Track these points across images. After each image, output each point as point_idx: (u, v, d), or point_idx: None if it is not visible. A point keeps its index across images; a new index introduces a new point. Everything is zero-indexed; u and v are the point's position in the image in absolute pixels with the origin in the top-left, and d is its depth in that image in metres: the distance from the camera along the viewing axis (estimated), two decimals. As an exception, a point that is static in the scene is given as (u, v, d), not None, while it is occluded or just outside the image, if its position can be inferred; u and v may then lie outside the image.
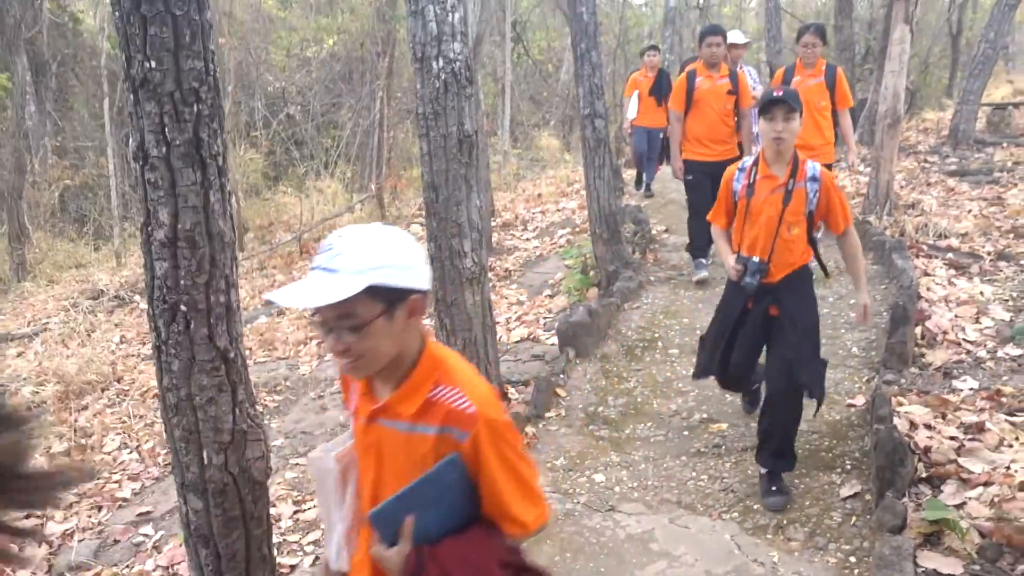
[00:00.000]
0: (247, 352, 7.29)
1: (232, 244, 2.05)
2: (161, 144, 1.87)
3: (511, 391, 5.32)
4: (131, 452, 5.44)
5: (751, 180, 3.63)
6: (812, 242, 3.69)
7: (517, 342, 6.47)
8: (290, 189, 13.74)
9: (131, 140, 1.91)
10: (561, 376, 5.41)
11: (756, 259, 3.61)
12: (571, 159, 15.55)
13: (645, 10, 25.36)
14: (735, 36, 8.02)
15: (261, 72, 14.66)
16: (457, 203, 4.74)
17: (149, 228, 1.94)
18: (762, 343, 3.84)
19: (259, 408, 5.87)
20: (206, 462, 2.09)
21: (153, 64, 1.80)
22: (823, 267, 3.91)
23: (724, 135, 6.44)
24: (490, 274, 7.70)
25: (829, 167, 6.18)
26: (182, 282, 1.96)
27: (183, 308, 1.97)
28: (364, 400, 1.71)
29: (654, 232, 8.73)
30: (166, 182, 1.89)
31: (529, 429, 4.71)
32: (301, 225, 12.04)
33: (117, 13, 1.83)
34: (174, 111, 1.85)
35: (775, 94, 3.45)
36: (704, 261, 6.89)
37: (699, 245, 6.90)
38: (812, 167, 3.56)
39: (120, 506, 4.81)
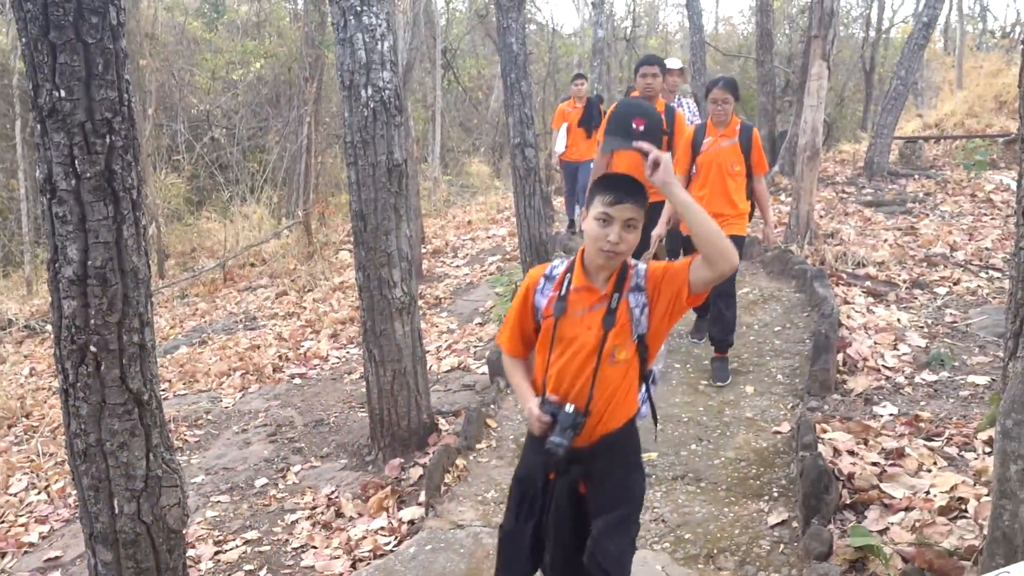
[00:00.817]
0: (166, 384, 7.05)
1: (147, 281, 1.95)
2: (70, 177, 1.77)
3: (442, 422, 5.24)
4: (39, 493, 5.16)
5: (562, 292, 2.54)
6: (644, 378, 2.57)
7: (447, 371, 6.40)
8: (214, 214, 13.43)
9: (38, 172, 1.80)
10: (492, 406, 5.36)
11: (570, 408, 2.46)
12: (501, 185, 15.62)
13: (574, 40, 25.79)
14: (671, 62, 7.54)
15: (184, 94, 14.33)
16: (386, 232, 4.68)
17: (57, 265, 1.83)
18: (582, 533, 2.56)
19: (178, 445, 5.66)
20: (117, 511, 1.97)
21: (63, 93, 1.71)
22: (654, 418, 2.74)
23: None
24: (420, 302, 7.63)
25: (741, 241, 5.55)
26: (92, 321, 1.86)
27: (93, 349, 1.87)
28: None
29: (584, 260, 8.79)
30: (75, 216, 1.80)
31: (460, 461, 4.64)
32: (225, 251, 11.76)
33: (24, 39, 1.73)
34: (85, 143, 1.76)
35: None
36: None
37: None
38: (637, 273, 2.50)
39: (26, 551, 4.54)
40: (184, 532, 2.12)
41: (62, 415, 1.96)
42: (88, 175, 1.78)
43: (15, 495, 5.17)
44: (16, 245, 13.29)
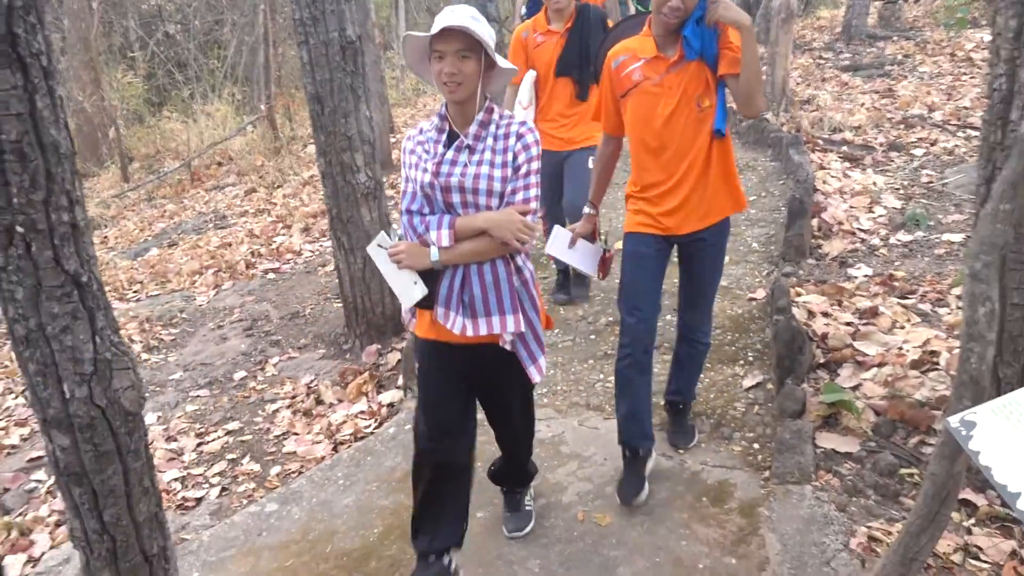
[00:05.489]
0: (138, 286, 6.95)
1: (71, 156, 1.82)
2: (-32, 42, 1.62)
3: (417, 307, 5.18)
4: (16, 397, 5.13)
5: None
6: None
7: (422, 258, 6.32)
8: (175, 114, 12.98)
9: (-66, 38, 1.65)
10: (467, 289, 5.32)
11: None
12: (471, 71, 15.14)
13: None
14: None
15: (133, -13, 13.61)
16: (345, 115, 4.50)
17: (-31, 141, 1.70)
18: None
19: (154, 344, 5.60)
20: (68, 396, 1.90)
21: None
22: None
23: None
24: (391, 192, 7.49)
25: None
26: (15, 200, 1.74)
27: (20, 229, 1.76)
28: None
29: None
30: (-19, 87, 1.66)
31: (436, 344, 4.62)
32: (190, 152, 11.43)
33: None
34: (-22, 1, 1.61)
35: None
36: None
37: None
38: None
39: (8, 453, 4.54)
40: (142, 414, 2.07)
41: (-2, 301, 1.87)
42: (-12, 39, 1.64)
43: (-8, 401, 5.14)
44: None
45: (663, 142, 2.89)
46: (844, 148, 7.03)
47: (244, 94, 13.54)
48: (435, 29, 2.21)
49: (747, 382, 3.91)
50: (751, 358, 4.13)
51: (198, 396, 4.84)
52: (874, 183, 6.11)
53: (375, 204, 4.74)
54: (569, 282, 5.03)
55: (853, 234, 5.32)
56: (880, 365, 3.73)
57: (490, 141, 2.38)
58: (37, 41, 1.71)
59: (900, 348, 3.83)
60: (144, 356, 5.52)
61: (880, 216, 5.55)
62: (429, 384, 2.59)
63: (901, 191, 5.99)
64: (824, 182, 6.09)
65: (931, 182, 6.10)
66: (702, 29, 2.74)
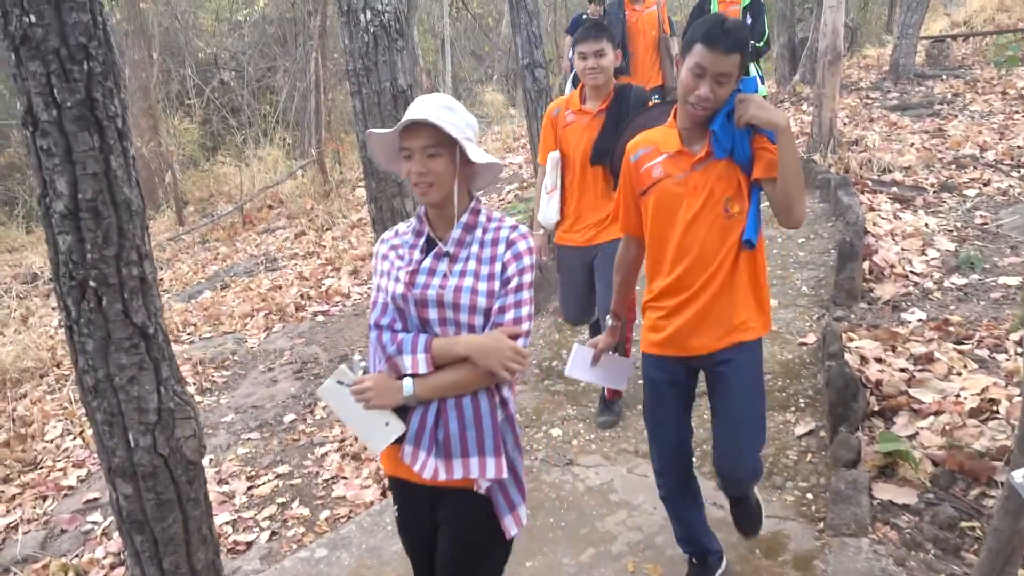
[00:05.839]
0: (191, 328, 7.10)
1: (141, 212, 1.91)
2: (51, 107, 1.71)
3: (464, 351, 5.20)
4: (74, 439, 5.26)
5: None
6: None
7: (469, 301, 6.37)
8: (229, 159, 13.36)
9: (19, 104, 1.75)
10: (514, 332, 5.33)
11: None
12: (516, 114, 15.34)
13: (584, -42, 24.95)
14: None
15: (190, 38, 14.12)
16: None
17: (47, 200, 1.79)
18: None
19: (207, 386, 5.72)
20: (133, 445, 1.97)
21: (32, 19, 1.64)
22: None
23: None
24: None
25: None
26: (89, 256, 1.82)
27: (92, 284, 1.84)
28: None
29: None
30: (60, 148, 1.74)
31: (484, 388, 4.64)
32: (242, 195, 11.73)
33: (-12, -37, 1.66)
34: (62, 70, 1.70)
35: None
36: None
37: None
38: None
39: (66, 495, 4.65)
40: (202, 464, 2.12)
41: (69, 352, 1.95)
42: (69, 104, 1.72)
43: (51, 441, 5.27)
44: (38, 200, 13.37)
45: (683, 248, 2.50)
46: (894, 189, 6.95)
47: (295, 138, 13.89)
48: (402, 123, 1.92)
49: (799, 429, 3.85)
50: (802, 405, 4.07)
51: (249, 439, 4.91)
52: (926, 225, 6.02)
53: (424, 249, 4.80)
54: (618, 398, 4.35)
55: (906, 277, 5.24)
56: (937, 413, 3.65)
57: (475, 248, 2.01)
58: (114, 104, 1.80)
59: (957, 395, 3.75)
60: (198, 398, 5.63)
61: (933, 259, 5.47)
62: (405, 539, 2.26)
63: (954, 233, 5.89)
64: (874, 224, 6.02)
65: (985, 223, 6.00)
66: (732, 125, 2.39)
